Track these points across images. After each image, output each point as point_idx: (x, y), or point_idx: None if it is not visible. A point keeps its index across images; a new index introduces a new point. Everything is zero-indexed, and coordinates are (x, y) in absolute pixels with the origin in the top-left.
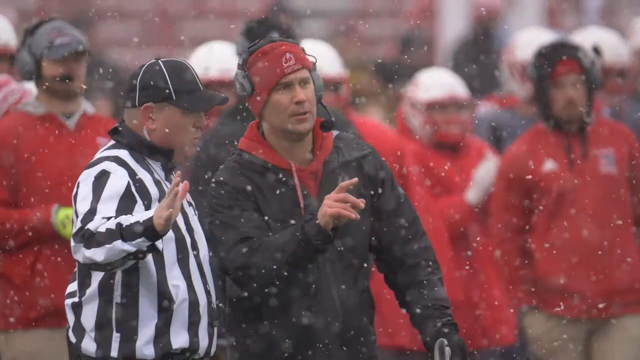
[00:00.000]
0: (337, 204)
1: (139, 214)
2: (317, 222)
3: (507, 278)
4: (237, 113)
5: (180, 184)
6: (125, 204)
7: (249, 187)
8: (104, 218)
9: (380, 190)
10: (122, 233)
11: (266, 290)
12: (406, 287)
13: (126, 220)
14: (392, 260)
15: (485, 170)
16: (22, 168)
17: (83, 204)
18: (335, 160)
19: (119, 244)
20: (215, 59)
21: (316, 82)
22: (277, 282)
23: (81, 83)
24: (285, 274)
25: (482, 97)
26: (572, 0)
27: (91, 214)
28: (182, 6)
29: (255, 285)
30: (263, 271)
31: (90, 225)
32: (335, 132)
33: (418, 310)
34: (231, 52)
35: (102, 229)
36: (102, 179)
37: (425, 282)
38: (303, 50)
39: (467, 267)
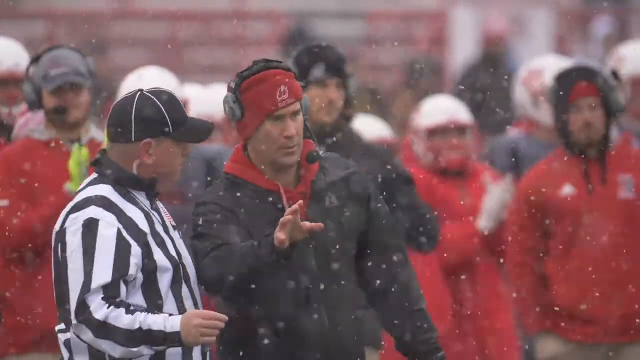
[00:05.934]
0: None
1: (161, 317)
2: (272, 241)
3: (520, 301)
4: None
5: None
6: (121, 256)
7: (236, 208)
8: (106, 299)
9: (366, 208)
10: (146, 339)
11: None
12: (391, 311)
13: (146, 322)
14: (374, 278)
15: (493, 197)
16: (26, 191)
17: (75, 263)
18: (322, 180)
19: (144, 349)
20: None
21: (303, 107)
22: (242, 293)
23: (80, 113)
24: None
25: (490, 123)
26: (581, 27)
27: (87, 282)
28: (192, 33)
29: (221, 292)
30: (224, 277)
31: (96, 312)
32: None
33: (406, 341)
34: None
35: (119, 325)
36: (90, 228)
37: (411, 310)
38: (295, 76)
39: (471, 293)
